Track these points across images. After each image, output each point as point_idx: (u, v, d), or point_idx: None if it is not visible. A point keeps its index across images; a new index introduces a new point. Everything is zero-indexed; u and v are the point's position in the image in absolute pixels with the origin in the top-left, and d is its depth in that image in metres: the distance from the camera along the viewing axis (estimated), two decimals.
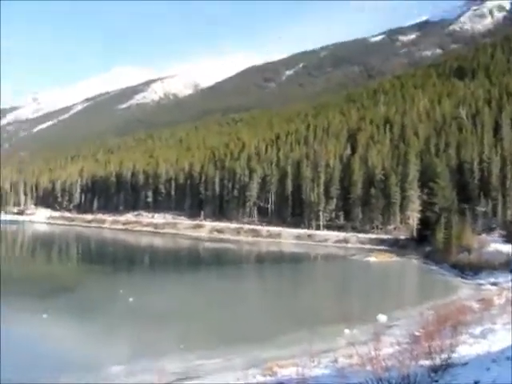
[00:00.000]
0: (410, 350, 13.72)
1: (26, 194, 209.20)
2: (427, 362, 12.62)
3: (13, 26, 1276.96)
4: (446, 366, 12.48)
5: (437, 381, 11.51)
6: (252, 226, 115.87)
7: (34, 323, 30.60)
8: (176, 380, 19.77)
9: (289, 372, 19.47)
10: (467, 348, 15.07)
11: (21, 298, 39.23)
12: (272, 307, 38.73)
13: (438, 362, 12.82)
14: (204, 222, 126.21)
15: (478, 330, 22.22)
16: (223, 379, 19.53)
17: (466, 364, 12.49)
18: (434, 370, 12.27)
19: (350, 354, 21.24)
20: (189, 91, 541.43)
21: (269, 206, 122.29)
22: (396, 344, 21.82)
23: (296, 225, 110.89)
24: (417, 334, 24.54)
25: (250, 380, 16.78)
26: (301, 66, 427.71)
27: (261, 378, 18.94)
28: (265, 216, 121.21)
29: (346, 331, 28.57)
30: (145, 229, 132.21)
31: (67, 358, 23.58)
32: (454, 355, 12.74)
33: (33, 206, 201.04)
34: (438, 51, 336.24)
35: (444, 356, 13.04)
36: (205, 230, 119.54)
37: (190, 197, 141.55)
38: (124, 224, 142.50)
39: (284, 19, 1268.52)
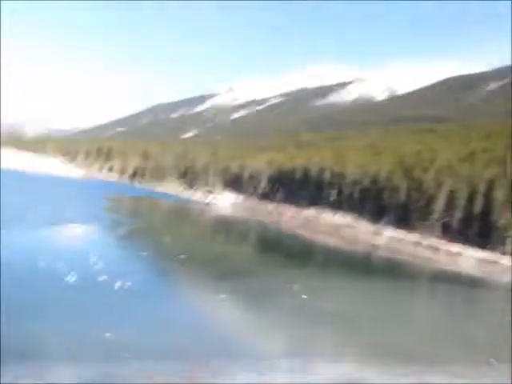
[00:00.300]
0: None
1: (215, 177, 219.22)
2: None
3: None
4: None
5: None
6: (433, 241, 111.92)
7: (212, 302, 31.74)
8: None
9: None
10: None
11: (200, 273, 41.04)
12: (448, 337, 36.06)
13: None
14: (383, 230, 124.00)
15: None
16: None
17: None
18: None
19: None
20: (384, 96, 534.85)
21: (453, 223, 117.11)
22: None
23: (480, 247, 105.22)
24: None
25: None
26: (506, 80, 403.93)
27: None
28: (447, 233, 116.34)
29: None
30: (323, 227, 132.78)
31: (238, 343, 24.09)
32: None
33: (220, 189, 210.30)
34: None
35: None
36: (383, 238, 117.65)
37: (372, 202, 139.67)
38: (303, 219, 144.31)
39: (490, 30, 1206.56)
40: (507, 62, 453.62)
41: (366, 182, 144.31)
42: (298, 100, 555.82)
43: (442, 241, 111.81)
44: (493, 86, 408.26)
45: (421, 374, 23.41)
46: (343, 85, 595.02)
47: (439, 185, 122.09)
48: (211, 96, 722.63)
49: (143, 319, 24.57)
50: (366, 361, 24.13)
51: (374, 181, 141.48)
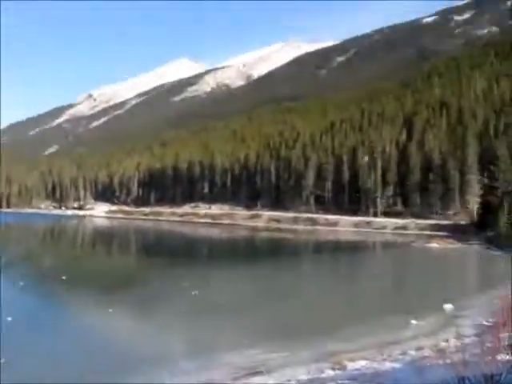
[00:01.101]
0: (485, 343, 13.17)
1: (85, 189, 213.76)
2: (507, 357, 11.96)
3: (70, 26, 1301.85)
4: None
5: None
6: (309, 215, 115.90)
7: (99, 318, 31.05)
8: (245, 375, 19.69)
9: (359, 365, 19.11)
10: None
11: (84, 291, 39.93)
12: (333, 298, 37.80)
13: None
14: (261, 212, 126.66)
15: None
16: (292, 373, 19.36)
17: None
18: None
19: (420, 347, 20.84)
20: (241, 82, 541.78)
21: (325, 194, 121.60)
22: (467, 336, 21.28)
23: (353, 212, 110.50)
24: (488, 324, 23.91)
25: (319, 374, 16.54)
26: (352, 52, 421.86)
27: (331, 372, 18.58)
28: (322, 204, 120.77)
29: (413, 322, 28.08)
30: (202, 220, 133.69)
31: (138, 354, 23.74)
32: None
33: (92, 201, 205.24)
34: (495, 29, 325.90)
35: None
36: (262, 220, 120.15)
37: (246, 187, 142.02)
38: (181, 216, 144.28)
39: (335, 4, 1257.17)
40: (352, 35, 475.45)
41: (237, 170, 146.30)
42: (156, 98, 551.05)
43: (318, 213, 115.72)
44: (340, 58, 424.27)
45: (308, 344, 24.05)
46: (199, 77, 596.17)
47: (306, 160, 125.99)
48: (70, 106, 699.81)
49: (32, 349, 23.59)
50: (265, 343, 24.51)
51: (244, 167, 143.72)
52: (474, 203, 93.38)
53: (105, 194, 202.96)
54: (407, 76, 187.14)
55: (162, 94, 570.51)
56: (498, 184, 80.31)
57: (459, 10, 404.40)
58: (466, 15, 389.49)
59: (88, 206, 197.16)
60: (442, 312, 30.94)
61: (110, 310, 31.83)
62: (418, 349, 20.70)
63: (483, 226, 79.43)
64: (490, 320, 22.42)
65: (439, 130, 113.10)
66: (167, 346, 24.98)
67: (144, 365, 21.44)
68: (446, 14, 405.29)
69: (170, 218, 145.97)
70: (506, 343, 12.48)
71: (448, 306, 31.84)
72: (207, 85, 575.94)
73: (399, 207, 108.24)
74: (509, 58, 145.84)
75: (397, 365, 18.18)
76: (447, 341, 19.34)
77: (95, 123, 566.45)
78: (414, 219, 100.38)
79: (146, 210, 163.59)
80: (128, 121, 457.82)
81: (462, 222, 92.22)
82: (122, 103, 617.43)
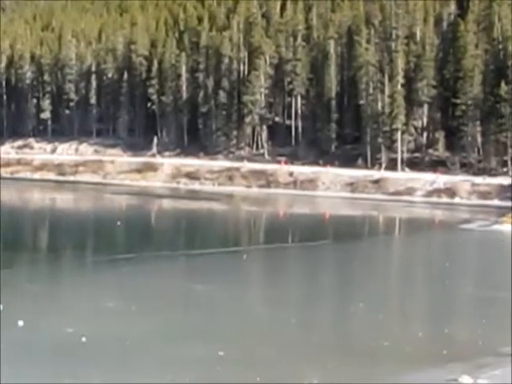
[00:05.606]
0: None
1: None
2: None
3: None
4: None
5: None
6: (257, 165, 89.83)
7: None
8: None
9: None
10: None
11: None
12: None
13: None
14: (159, 159, 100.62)
15: None
16: None
17: None
18: None
19: None
20: None
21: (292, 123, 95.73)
22: None
23: (348, 161, 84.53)
24: None
25: None
26: None
27: None
28: (283, 140, 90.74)
29: (465, 379, 19.93)
30: (37, 175, 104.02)
31: None
32: None
33: None
34: None
35: None
36: (161, 175, 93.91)
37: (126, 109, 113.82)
38: None
39: None
40: None
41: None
42: None
43: (275, 161, 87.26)
44: None
45: None
46: None
47: None
48: None
49: None
50: None
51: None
52: None
53: None
54: None
55: None
56: None
57: None
58: None
59: None
60: None
61: None
62: None
63: None
64: None
65: None
66: None
67: None
68: None
69: None
70: None
71: None
72: None
73: (439, 150, 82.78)
74: None
75: None
76: None
77: None
78: (467, 176, 73.60)
79: None
80: None
81: None
82: None
